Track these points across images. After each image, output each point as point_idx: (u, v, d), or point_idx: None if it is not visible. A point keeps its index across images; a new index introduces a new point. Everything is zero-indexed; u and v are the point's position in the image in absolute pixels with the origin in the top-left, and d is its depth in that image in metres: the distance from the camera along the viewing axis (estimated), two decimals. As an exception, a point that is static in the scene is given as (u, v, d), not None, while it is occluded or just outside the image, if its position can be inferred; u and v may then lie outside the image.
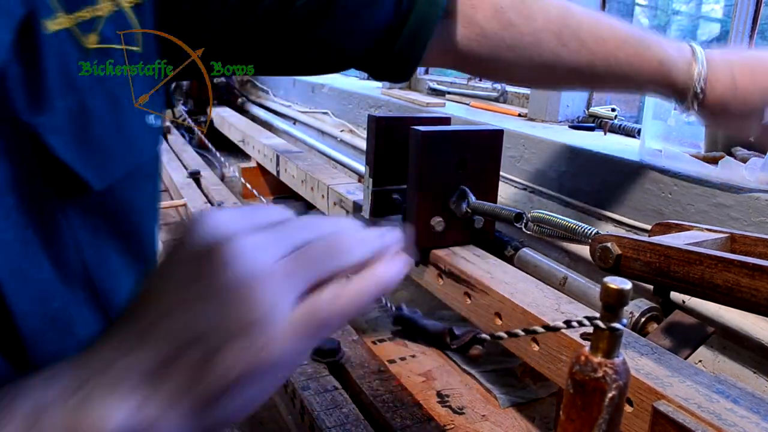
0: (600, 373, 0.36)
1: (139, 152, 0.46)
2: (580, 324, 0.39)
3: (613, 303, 0.36)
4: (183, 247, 0.35)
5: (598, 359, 0.36)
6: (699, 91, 0.61)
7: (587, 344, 0.38)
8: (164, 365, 0.32)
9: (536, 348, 0.74)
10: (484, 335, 0.49)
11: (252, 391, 0.34)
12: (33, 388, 0.32)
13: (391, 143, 1.05)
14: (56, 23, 0.36)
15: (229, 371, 0.32)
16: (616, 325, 0.36)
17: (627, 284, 0.35)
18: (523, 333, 0.44)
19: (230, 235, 0.33)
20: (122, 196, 0.44)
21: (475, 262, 0.92)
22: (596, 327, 0.37)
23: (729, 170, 0.94)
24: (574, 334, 0.69)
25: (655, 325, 0.75)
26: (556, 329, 0.42)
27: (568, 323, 0.41)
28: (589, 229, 0.77)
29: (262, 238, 0.34)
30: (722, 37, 1.39)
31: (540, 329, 0.43)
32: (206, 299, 0.32)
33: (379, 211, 1.10)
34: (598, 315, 0.37)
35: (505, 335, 0.47)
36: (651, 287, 0.70)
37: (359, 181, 1.55)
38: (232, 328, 0.32)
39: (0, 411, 0.30)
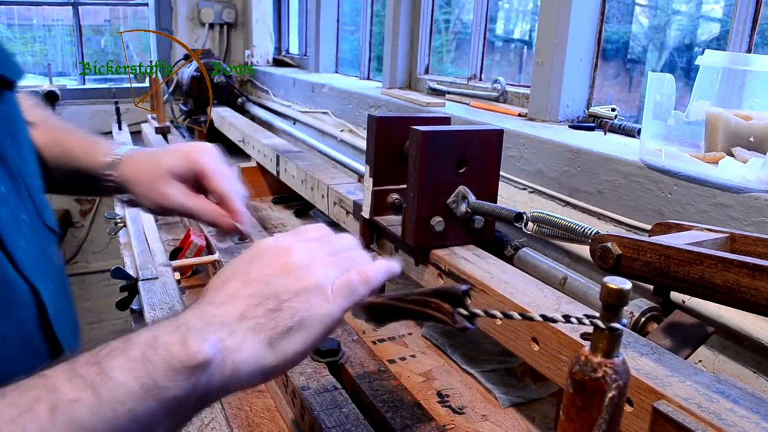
0: (600, 373, 0.36)
1: (17, 68, 0.64)
2: (579, 321, 0.39)
3: (613, 303, 0.36)
4: (255, 248, 0.54)
5: (597, 359, 0.36)
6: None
7: (587, 344, 0.38)
8: (246, 312, 0.47)
9: (536, 348, 0.74)
10: (478, 311, 0.48)
11: (307, 335, 0.49)
12: (146, 328, 0.45)
13: (391, 143, 1.06)
14: None
15: (293, 315, 0.48)
16: (616, 325, 0.36)
17: (627, 284, 0.35)
18: (518, 316, 0.44)
19: (289, 241, 0.54)
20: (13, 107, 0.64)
21: (475, 262, 0.92)
22: (596, 327, 0.37)
23: (729, 170, 0.94)
24: (574, 334, 0.69)
25: (655, 325, 0.75)
26: (553, 320, 0.42)
27: (567, 317, 0.41)
28: (589, 229, 0.77)
29: (311, 243, 0.55)
30: (722, 37, 1.39)
31: (537, 317, 0.43)
32: (278, 274, 0.50)
33: (379, 210, 1.10)
34: (597, 314, 0.37)
35: (500, 314, 0.46)
36: (651, 287, 0.70)
37: (359, 181, 1.55)
38: (295, 289, 0.49)
39: (124, 339, 0.43)
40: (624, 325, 0.36)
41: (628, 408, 0.59)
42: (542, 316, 0.43)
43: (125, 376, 0.40)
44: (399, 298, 0.53)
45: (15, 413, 0.37)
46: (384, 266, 0.56)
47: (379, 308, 0.54)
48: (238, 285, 0.49)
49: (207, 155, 0.76)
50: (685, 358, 0.66)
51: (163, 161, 0.75)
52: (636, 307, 0.77)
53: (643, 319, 0.76)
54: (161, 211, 0.76)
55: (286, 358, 0.48)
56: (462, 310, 0.48)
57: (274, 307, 0.48)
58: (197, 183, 0.76)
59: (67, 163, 0.78)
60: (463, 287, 0.49)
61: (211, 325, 0.46)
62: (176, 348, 0.42)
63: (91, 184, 0.78)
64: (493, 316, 0.46)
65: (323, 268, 0.52)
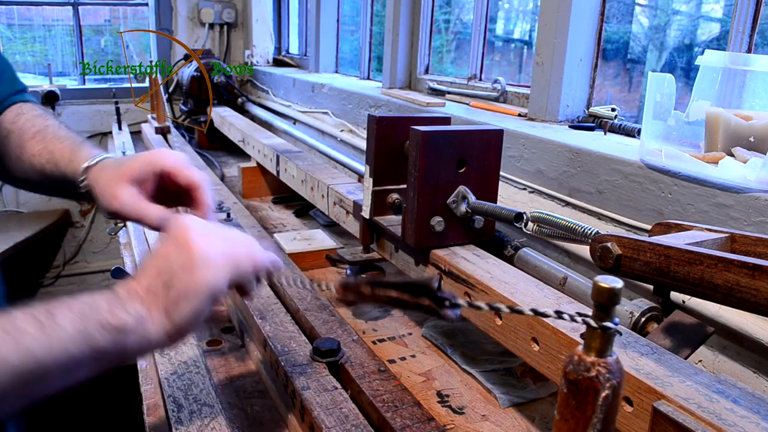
0: (593, 373, 0.36)
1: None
2: (572, 318, 0.39)
3: (604, 302, 0.36)
4: (172, 225, 0.63)
5: (591, 358, 0.36)
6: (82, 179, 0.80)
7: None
8: (150, 286, 0.58)
9: (536, 348, 0.74)
10: (460, 301, 0.48)
11: (192, 305, 0.58)
12: (89, 293, 0.56)
13: (391, 143, 1.06)
14: None
15: (180, 288, 0.58)
16: (608, 324, 0.36)
17: (618, 283, 0.35)
18: (506, 309, 0.44)
19: (192, 221, 0.63)
20: None
21: (475, 262, 0.92)
22: (588, 326, 0.37)
23: (729, 170, 0.94)
24: (575, 335, 0.69)
25: (655, 325, 0.75)
26: (545, 315, 0.42)
27: (559, 313, 0.41)
28: (589, 229, 0.77)
29: (213, 225, 0.65)
30: (722, 37, 1.39)
31: (527, 311, 0.43)
32: (176, 250, 0.60)
33: (379, 210, 1.10)
34: (590, 313, 0.37)
35: (485, 306, 0.45)
36: (651, 287, 0.70)
37: (359, 181, 1.55)
38: (184, 264, 0.59)
39: (71, 297, 0.55)
40: (616, 324, 0.36)
41: (628, 408, 0.59)
42: (533, 310, 0.43)
43: (67, 322, 0.52)
44: (371, 294, 0.54)
45: None
46: (272, 256, 0.68)
47: (350, 300, 0.57)
48: (153, 261, 0.60)
49: (172, 157, 0.78)
50: (685, 358, 0.66)
51: (125, 165, 0.77)
52: (636, 307, 0.77)
53: (643, 319, 0.76)
54: (114, 214, 0.77)
55: (181, 323, 0.58)
56: (446, 302, 0.49)
57: (167, 281, 0.58)
58: (164, 189, 0.78)
59: (54, 169, 0.84)
60: (435, 281, 0.49)
61: (131, 297, 0.57)
62: (106, 312, 0.55)
63: (73, 189, 0.82)
64: (478, 308, 0.46)
65: (214, 245, 0.61)
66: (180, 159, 0.78)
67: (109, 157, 0.82)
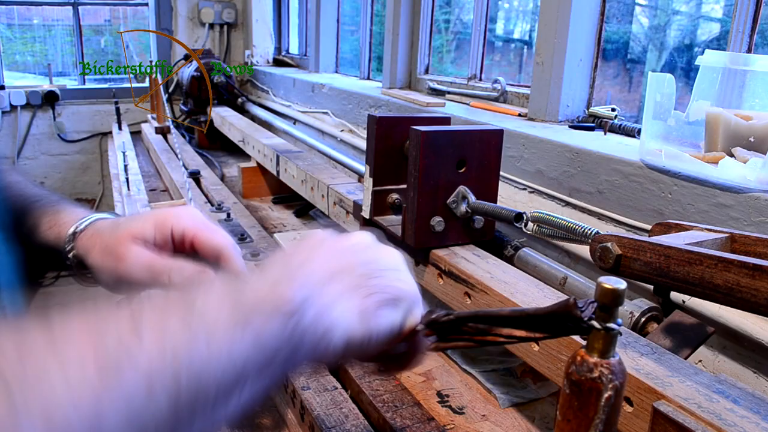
0: (596, 373, 0.36)
1: None
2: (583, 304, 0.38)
3: (608, 303, 0.36)
4: (312, 238, 0.49)
5: (594, 359, 0.36)
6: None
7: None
8: (335, 275, 0.43)
9: (536, 348, 0.74)
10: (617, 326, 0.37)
11: (394, 315, 0.45)
12: (204, 287, 0.40)
13: (391, 143, 1.06)
14: None
15: (383, 288, 0.45)
16: (611, 325, 0.36)
17: (622, 284, 0.35)
18: None
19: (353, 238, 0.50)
20: None
21: (475, 262, 0.92)
22: (591, 327, 0.36)
23: (729, 170, 0.94)
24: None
25: (655, 325, 0.75)
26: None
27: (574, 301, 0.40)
28: (589, 229, 0.77)
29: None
30: (722, 37, 1.39)
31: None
32: (354, 250, 0.47)
33: (379, 210, 1.10)
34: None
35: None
36: (651, 287, 0.70)
37: (359, 181, 1.55)
38: (386, 266, 0.47)
39: (209, 284, 0.42)
40: (619, 325, 0.36)
41: (628, 408, 0.59)
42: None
43: (216, 312, 0.36)
44: (475, 335, 0.44)
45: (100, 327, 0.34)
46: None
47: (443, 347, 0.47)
48: (312, 255, 0.45)
49: (187, 217, 0.61)
50: (685, 358, 0.66)
51: (127, 225, 0.61)
52: (636, 307, 0.77)
53: (643, 319, 0.76)
54: (120, 283, 0.59)
55: (374, 333, 0.43)
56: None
57: (365, 275, 0.45)
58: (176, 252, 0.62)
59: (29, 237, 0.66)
60: (574, 308, 0.37)
61: (298, 279, 0.41)
62: (265, 292, 0.39)
63: (53, 260, 0.65)
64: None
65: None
66: (198, 219, 0.61)
67: (102, 218, 0.65)
